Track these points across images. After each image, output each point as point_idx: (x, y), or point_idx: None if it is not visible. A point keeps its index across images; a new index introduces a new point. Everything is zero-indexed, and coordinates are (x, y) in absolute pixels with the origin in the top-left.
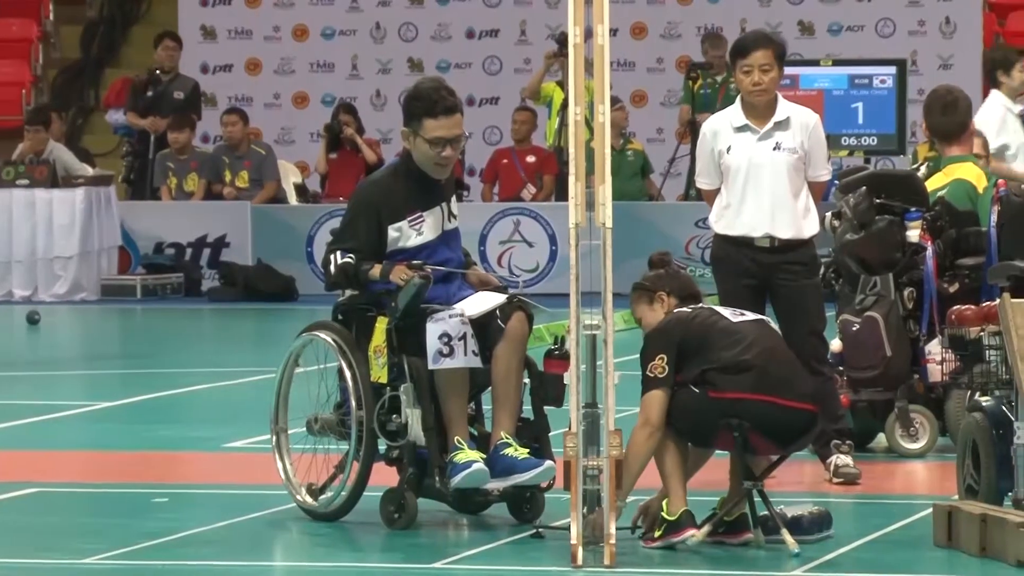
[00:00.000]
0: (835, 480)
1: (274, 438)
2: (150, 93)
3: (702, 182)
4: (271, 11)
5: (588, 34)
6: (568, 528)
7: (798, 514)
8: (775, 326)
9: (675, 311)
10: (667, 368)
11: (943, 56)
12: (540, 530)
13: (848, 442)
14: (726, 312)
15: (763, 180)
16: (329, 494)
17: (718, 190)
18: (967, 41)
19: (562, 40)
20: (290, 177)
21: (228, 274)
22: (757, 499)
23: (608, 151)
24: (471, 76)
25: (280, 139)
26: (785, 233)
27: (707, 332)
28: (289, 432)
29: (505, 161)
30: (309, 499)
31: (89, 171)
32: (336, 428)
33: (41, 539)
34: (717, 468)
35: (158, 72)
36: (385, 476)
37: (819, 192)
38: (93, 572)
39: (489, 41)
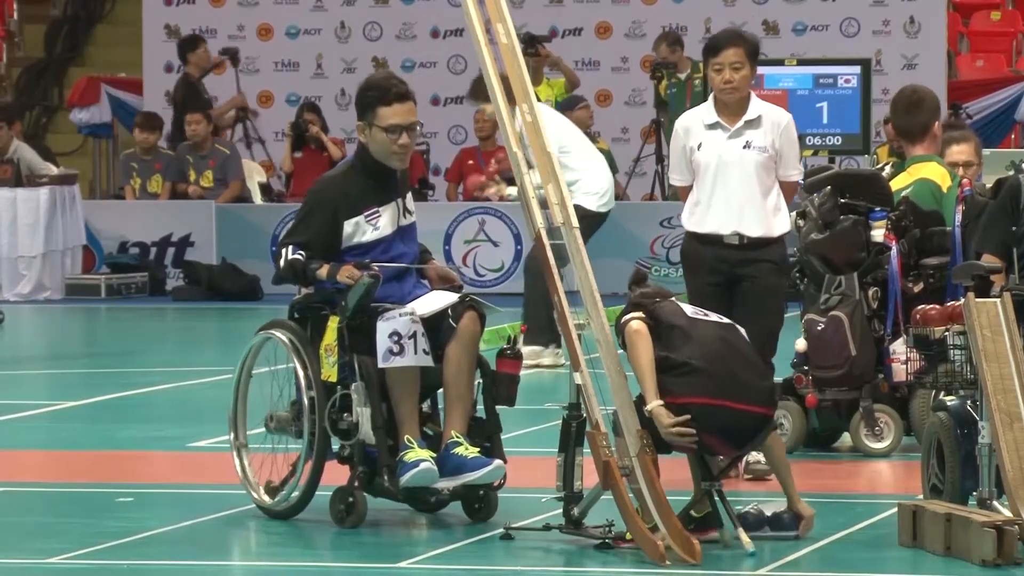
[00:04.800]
0: (745, 476)
1: (232, 435)
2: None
3: (675, 178)
4: (235, 10)
5: (555, 34)
6: (537, 528)
7: (779, 511)
8: (740, 329)
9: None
10: (642, 318)
11: (907, 56)
12: (509, 531)
13: None
14: (688, 310)
15: (732, 178)
16: (285, 492)
17: (691, 186)
18: (931, 41)
19: (528, 40)
20: (255, 176)
21: (192, 273)
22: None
23: (550, 150)
24: (436, 75)
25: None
26: (754, 231)
27: (670, 320)
28: (248, 431)
29: (471, 162)
30: (266, 497)
31: (53, 170)
32: (291, 426)
33: (4, 539)
34: (684, 468)
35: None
36: (342, 475)
37: (790, 192)
38: (57, 572)
39: (454, 40)
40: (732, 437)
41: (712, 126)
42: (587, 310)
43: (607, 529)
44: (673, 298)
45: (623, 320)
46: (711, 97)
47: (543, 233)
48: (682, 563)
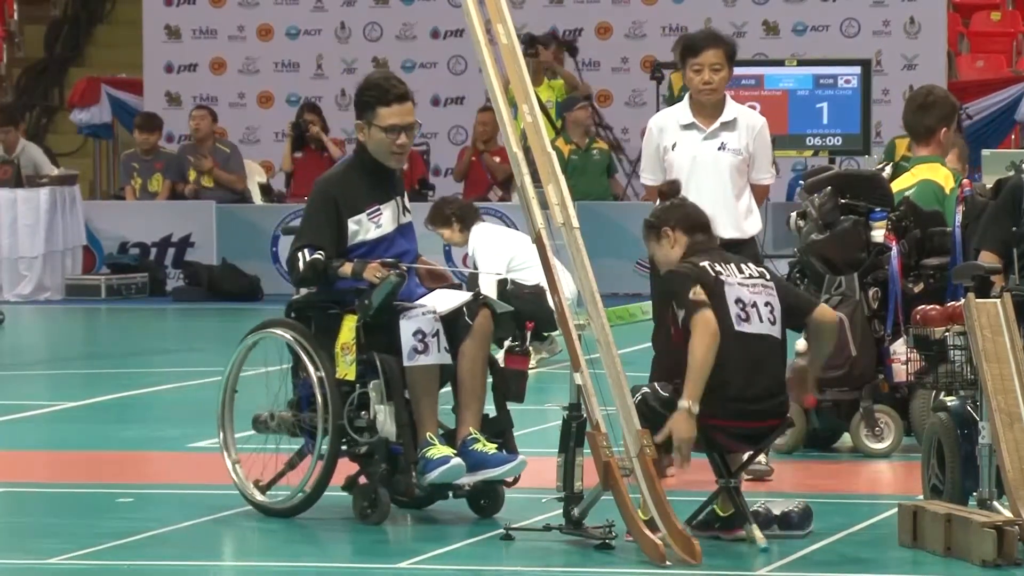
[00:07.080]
0: (745, 477)
1: (221, 435)
2: None
3: (646, 178)
4: (236, 10)
5: (555, 35)
6: (537, 528)
7: (787, 510)
8: (777, 336)
9: (695, 266)
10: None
11: (908, 56)
12: (509, 531)
13: None
14: (733, 310)
15: (706, 179)
16: (286, 493)
17: None
18: (931, 41)
19: (527, 40)
20: (255, 177)
21: (193, 274)
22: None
23: (551, 151)
24: (436, 76)
25: (245, 139)
26: (727, 233)
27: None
28: (236, 432)
29: (473, 158)
30: (259, 495)
31: (54, 171)
32: (292, 425)
33: (5, 539)
34: (708, 470)
35: None
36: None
37: (761, 195)
38: (58, 572)
39: (454, 41)
40: (744, 442)
41: (687, 127)
42: (587, 310)
43: (607, 529)
44: (720, 274)
45: (694, 298)
46: (686, 97)
47: (543, 234)
48: (682, 563)
